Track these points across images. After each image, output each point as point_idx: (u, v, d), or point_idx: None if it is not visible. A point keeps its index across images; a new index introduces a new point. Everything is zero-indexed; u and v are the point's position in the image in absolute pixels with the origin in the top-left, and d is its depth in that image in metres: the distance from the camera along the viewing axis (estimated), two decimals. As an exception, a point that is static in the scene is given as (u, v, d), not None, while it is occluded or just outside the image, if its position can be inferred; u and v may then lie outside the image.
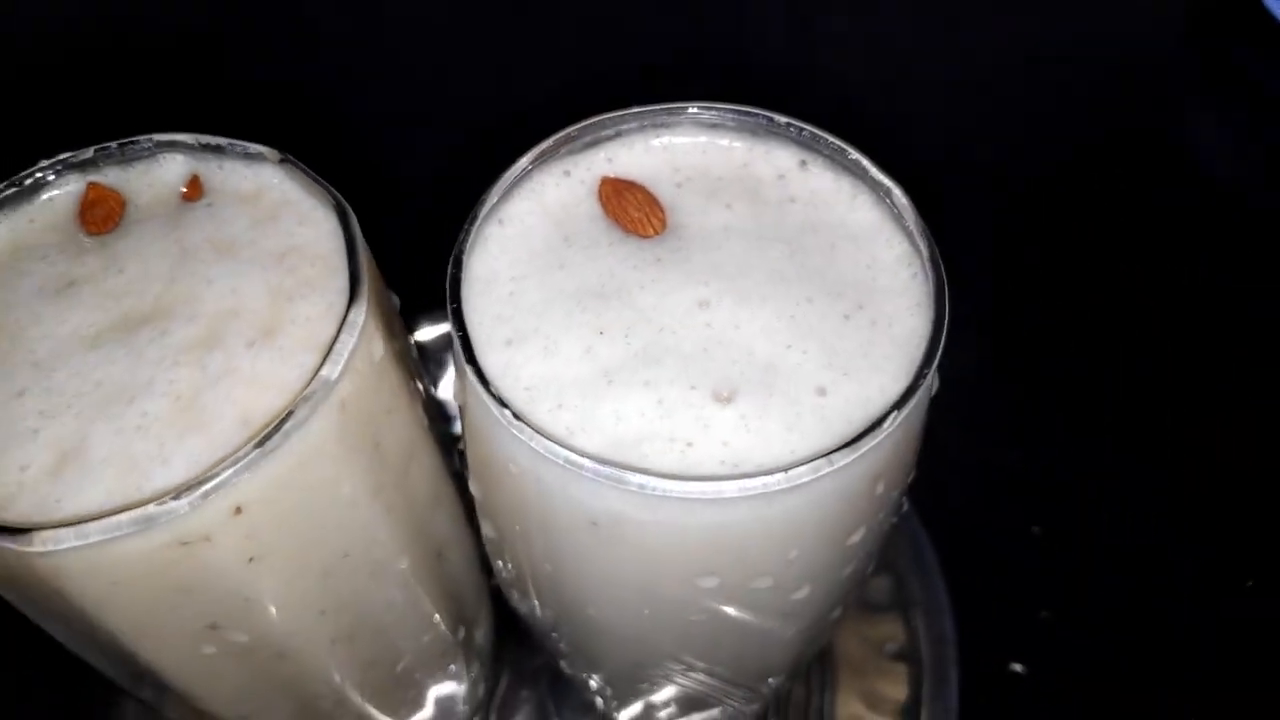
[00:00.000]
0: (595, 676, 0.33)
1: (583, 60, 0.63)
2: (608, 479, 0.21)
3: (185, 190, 0.27)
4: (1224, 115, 0.67)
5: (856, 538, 0.24)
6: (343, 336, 0.23)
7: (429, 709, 0.35)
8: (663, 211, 0.26)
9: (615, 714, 0.38)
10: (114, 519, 0.20)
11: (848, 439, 0.21)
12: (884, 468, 0.23)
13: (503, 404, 0.22)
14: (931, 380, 0.23)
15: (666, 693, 0.34)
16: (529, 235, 0.26)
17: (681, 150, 0.27)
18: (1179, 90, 0.68)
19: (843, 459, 0.21)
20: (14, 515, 0.21)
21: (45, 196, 0.27)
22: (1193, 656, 0.43)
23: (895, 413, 0.21)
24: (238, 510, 0.22)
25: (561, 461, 0.21)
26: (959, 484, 0.47)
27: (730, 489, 0.21)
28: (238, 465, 0.21)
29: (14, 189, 0.26)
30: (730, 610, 0.24)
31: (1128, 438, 0.49)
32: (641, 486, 0.21)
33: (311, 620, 0.26)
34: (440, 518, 0.29)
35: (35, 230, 0.26)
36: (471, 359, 0.22)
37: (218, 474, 0.21)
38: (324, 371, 0.22)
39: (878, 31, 0.67)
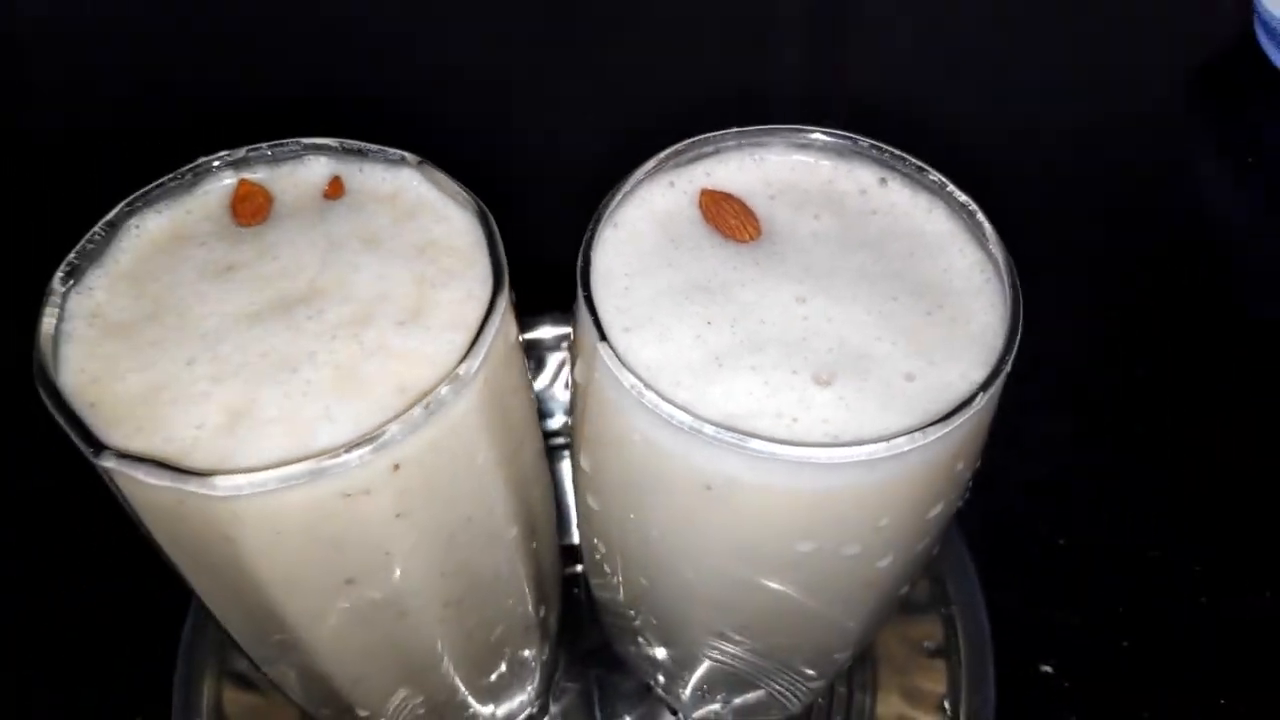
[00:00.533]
0: (662, 651, 0.35)
1: (683, 85, 0.70)
2: (728, 443, 0.24)
3: (328, 189, 0.30)
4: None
5: (935, 512, 0.27)
6: (491, 318, 0.25)
7: (509, 684, 0.37)
8: (757, 220, 0.29)
9: (674, 690, 0.40)
10: (290, 468, 0.23)
11: (936, 417, 0.24)
12: (963, 447, 0.26)
13: (635, 375, 0.24)
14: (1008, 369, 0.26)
15: (725, 676, 0.36)
16: (639, 239, 0.29)
17: (773, 167, 0.30)
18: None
19: (936, 432, 0.24)
20: (192, 465, 0.24)
21: (201, 190, 0.29)
22: (1213, 657, 0.45)
23: (982, 394, 0.24)
24: (396, 468, 0.24)
25: (687, 428, 0.24)
26: (991, 490, 0.50)
27: (838, 455, 0.23)
28: (402, 426, 0.24)
29: (174, 182, 0.29)
30: (819, 575, 0.27)
31: (1149, 442, 0.52)
32: (758, 451, 0.23)
33: (434, 581, 0.28)
34: (536, 495, 0.32)
35: (193, 220, 0.29)
36: (604, 338, 0.25)
37: (384, 432, 0.23)
38: (475, 349, 0.25)
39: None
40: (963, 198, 0.28)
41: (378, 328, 0.26)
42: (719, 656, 0.33)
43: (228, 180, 0.30)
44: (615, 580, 0.33)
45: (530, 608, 0.34)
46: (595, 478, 0.29)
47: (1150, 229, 0.63)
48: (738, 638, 0.31)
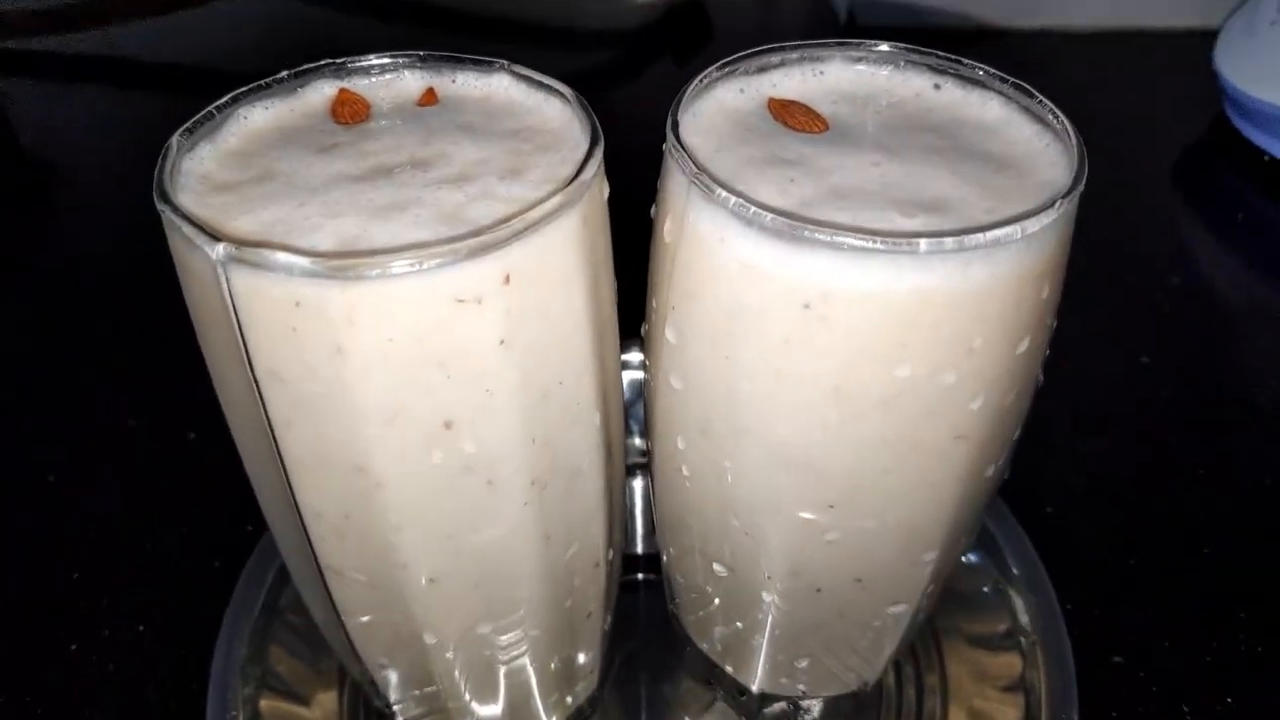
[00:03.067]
0: (735, 587, 0.34)
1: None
2: (830, 242, 0.25)
3: (422, 98, 0.32)
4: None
5: (1023, 348, 0.27)
6: (593, 154, 0.27)
7: (572, 636, 0.36)
8: (824, 118, 0.31)
9: (742, 668, 0.39)
10: (411, 252, 0.24)
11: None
12: (1048, 266, 0.27)
13: (732, 191, 0.26)
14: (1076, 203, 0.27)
15: (798, 627, 0.35)
16: (716, 126, 0.31)
17: (832, 79, 0.33)
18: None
19: (1034, 225, 0.25)
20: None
21: (302, 94, 0.31)
22: None
23: (1064, 200, 0.26)
24: (506, 279, 0.25)
25: (788, 233, 0.25)
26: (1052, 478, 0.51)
27: (934, 244, 0.24)
28: (516, 226, 0.25)
29: (277, 84, 0.31)
30: (913, 415, 0.27)
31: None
32: (860, 246, 0.24)
33: (524, 447, 0.28)
34: (613, 394, 0.32)
35: (295, 116, 0.31)
36: (700, 168, 0.27)
37: (495, 231, 0.24)
38: (582, 175, 0.26)
39: None
40: (1016, 83, 0.31)
41: (481, 182, 0.27)
42: (799, 571, 0.32)
43: (327, 89, 0.32)
44: (694, 479, 0.32)
45: (601, 533, 0.34)
46: (681, 346, 0.30)
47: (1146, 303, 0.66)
48: (825, 525, 0.30)
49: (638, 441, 0.50)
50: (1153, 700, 0.43)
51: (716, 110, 0.31)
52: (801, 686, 0.39)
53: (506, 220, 0.25)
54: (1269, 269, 0.71)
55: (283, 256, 0.23)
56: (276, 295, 0.24)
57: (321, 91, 0.31)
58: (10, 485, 0.54)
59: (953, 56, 0.32)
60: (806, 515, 0.30)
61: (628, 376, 0.38)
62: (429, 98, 0.32)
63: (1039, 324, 0.28)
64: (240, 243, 0.24)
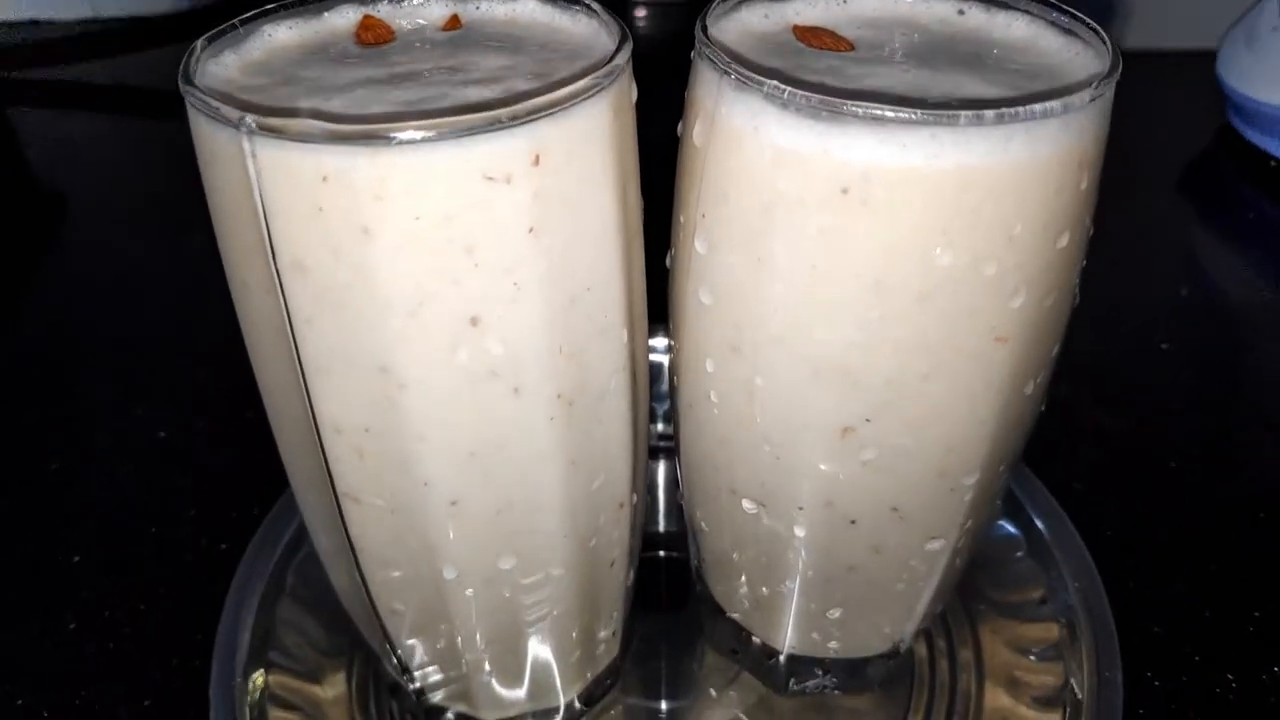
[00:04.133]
0: (764, 523, 0.33)
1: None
2: (868, 117, 0.24)
3: (445, 24, 0.31)
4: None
5: (1063, 242, 0.27)
6: (623, 47, 0.27)
7: (596, 595, 0.34)
8: (849, 41, 0.31)
9: (769, 626, 0.37)
10: (441, 119, 0.23)
11: (1061, 113, 0.25)
12: (1086, 155, 0.26)
13: (768, 74, 0.25)
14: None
15: (829, 574, 0.34)
16: (743, 42, 0.31)
17: (856, 6, 0.33)
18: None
19: (1076, 100, 0.24)
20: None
21: (326, 18, 0.31)
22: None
23: (1108, 78, 0.25)
24: (536, 159, 0.25)
25: (824, 111, 0.24)
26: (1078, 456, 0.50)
27: (974, 117, 0.24)
28: (547, 100, 0.24)
29: (302, 5, 0.31)
30: (954, 310, 0.26)
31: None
32: (899, 118, 0.24)
33: (548, 354, 0.27)
34: (638, 318, 0.31)
35: (319, 37, 0.31)
36: (734, 69, 0.26)
37: (526, 103, 0.24)
38: (614, 61, 0.26)
39: None
40: (1041, 0, 0.31)
41: (508, 82, 0.27)
42: (833, 500, 0.31)
43: (351, 14, 0.31)
44: (722, 406, 0.31)
45: (625, 468, 0.33)
46: (711, 255, 0.29)
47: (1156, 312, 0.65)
48: (861, 443, 0.29)
49: (660, 427, 0.50)
50: (1196, 670, 0.42)
51: (741, 30, 0.31)
52: (833, 644, 0.37)
53: (538, 93, 0.24)
54: (1277, 267, 0.71)
55: (313, 123, 0.23)
56: (304, 170, 0.23)
57: (345, 16, 0.31)
58: (17, 475, 0.53)
59: (977, -21, 0.32)
60: (841, 431, 0.29)
61: (651, 359, 0.37)
62: (453, 23, 0.31)
63: (1078, 219, 0.27)
64: (267, 110, 0.23)
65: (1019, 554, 0.43)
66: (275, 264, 0.25)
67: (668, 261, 0.33)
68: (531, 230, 0.25)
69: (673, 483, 0.49)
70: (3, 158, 0.90)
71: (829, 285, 0.27)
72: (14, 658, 0.43)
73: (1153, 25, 0.94)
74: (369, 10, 0.31)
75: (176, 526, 0.49)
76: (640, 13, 1.02)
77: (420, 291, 0.25)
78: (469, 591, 0.32)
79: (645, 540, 0.43)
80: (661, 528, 0.48)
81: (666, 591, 0.45)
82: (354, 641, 0.42)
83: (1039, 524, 0.43)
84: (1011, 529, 0.44)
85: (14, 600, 0.46)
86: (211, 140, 0.25)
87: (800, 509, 0.32)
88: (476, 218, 0.24)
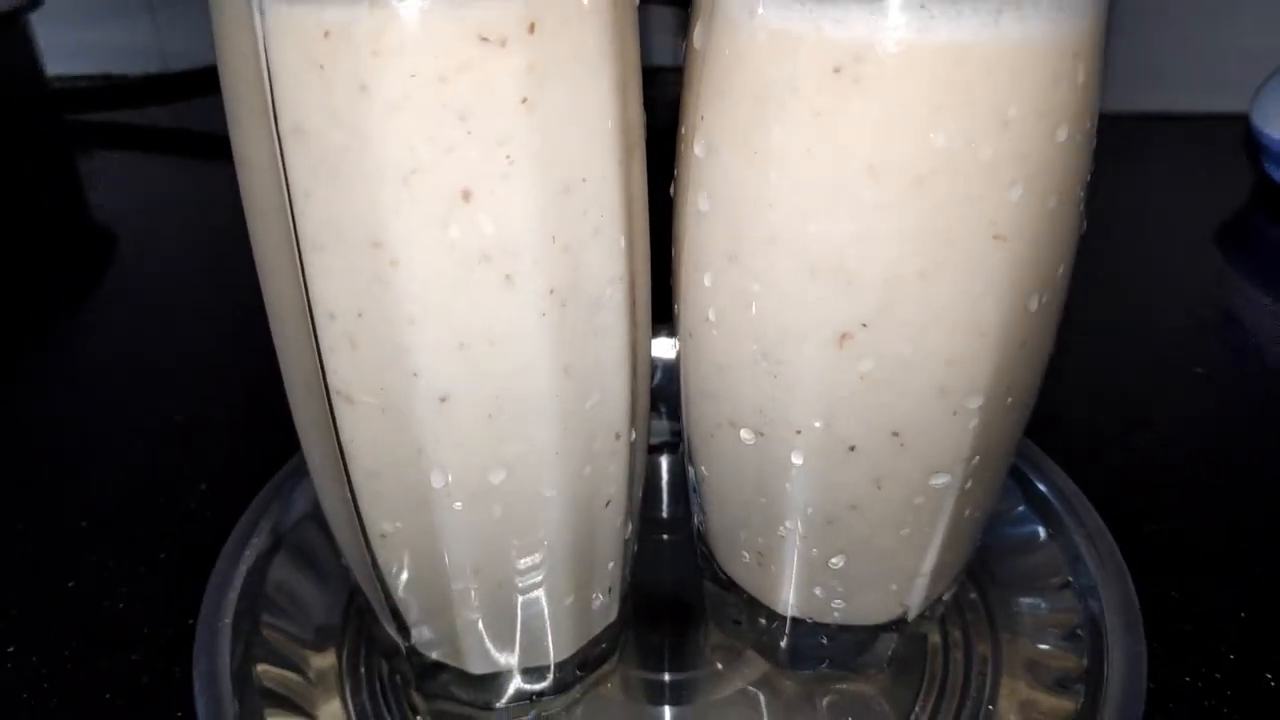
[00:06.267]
0: (761, 455, 0.32)
1: None
2: (859, -10, 0.24)
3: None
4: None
5: (1061, 136, 0.27)
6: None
7: (594, 548, 0.34)
8: None
9: (770, 579, 0.36)
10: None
11: (1054, 4, 0.25)
12: (1081, 46, 0.26)
13: (763, -43, 0.26)
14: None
15: (832, 517, 0.33)
16: None
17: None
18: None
19: (1060, -21, 0.24)
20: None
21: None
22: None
23: (1097, -36, 0.25)
24: (531, 27, 0.25)
25: (816, -14, 0.25)
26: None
27: (967, -12, 0.24)
28: (544, -31, 0.25)
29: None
30: (952, 196, 0.26)
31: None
32: (889, -11, 0.24)
33: (542, 242, 0.27)
34: (638, 233, 0.31)
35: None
36: (730, -49, 0.27)
37: (527, -29, 0.25)
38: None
39: None
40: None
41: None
42: (831, 420, 0.30)
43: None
44: (720, 324, 0.31)
45: (622, 393, 0.32)
46: (709, 156, 0.29)
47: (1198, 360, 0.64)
48: (859, 351, 0.29)
49: (665, 424, 0.49)
50: (1231, 668, 0.39)
51: None
52: (837, 603, 0.36)
53: (537, -41, 0.25)
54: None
55: (313, -18, 0.24)
56: (306, 25, 0.24)
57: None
58: (34, 450, 0.53)
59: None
60: (839, 338, 0.29)
61: (657, 355, 0.37)
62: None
63: (1076, 115, 0.27)
64: (273, -37, 0.24)
65: (1039, 540, 0.42)
66: (277, 128, 0.26)
67: (670, 191, 0.33)
68: (525, 101, 0.26)
69: (677, 477, 0.49)
70: (62, 196, 0.94)
71: (824, 172, 0.27)
72: (10, 610, 0.43)
73: (1186, 89, 0.95)
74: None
75: (185, 498, 0.49)
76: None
77: (414, 157, 0.25)
78: (457, 504, 0.31)
79: (649, 524, 0.43)
80: (666, 513, 0.47)
81: (669, 573, 0.44)
82: (349, 606, 0.41)
83: (1059, 508, 0.42)
84: (1031, 516, 0.43)
85: (19, 557, 0.46)
86: (224, 4, 0.26)
87: (798, 433, 0.31)
88: (470, 80, 0.25)
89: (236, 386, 0.58)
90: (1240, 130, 0.82)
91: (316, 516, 0.41)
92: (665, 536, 0.46)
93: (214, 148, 0.98)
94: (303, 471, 0.42)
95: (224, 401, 0.57)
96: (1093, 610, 0.38)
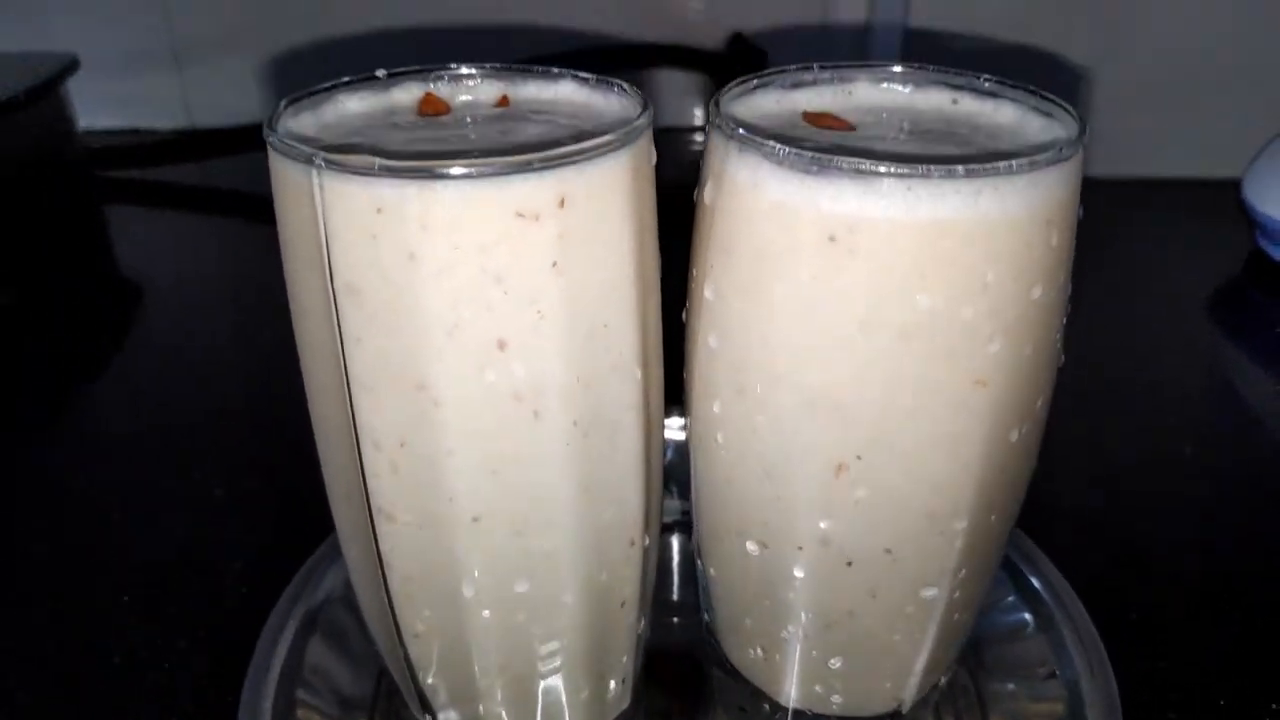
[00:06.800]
0: (765, 563, 0.35)
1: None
2: (854, 172, 0.27)
3: (497, 102, 0.36)
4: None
5: (1036, 294, 0.29)
6: (646, 112, 0.31)
7: (608, 639, 0.36)
8: (852, 125, 0.35)
9: (775, 676, 0.39)
10: (483, 160, 0.27)
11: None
12: (1054, 214, 0.29)
13: (766, 138, 0.29)
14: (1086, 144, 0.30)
15: (834, 618, 0.36)
16: (755, 122, 0.34)
17: (860, 95, 0.37)
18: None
19: (1041, 160, 0.27)
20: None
21: (392, 92, 0.36)
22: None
23: (1073, 144, 0.28)
24: (561, 202, 0.28)
25: (815, 167, 0.28)
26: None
27: (945, 171, 0.27)
28: (573, 151, 0.28)
29: (370, 81, 0.36)
30: (934, 352, 0.29)
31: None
32: (881, 172, 0.27)
33: (569, 384, 0.30)
34: (653, 364, 0.34)
35: (384, 109, 0.35)
36: (739, 134, 0.30)
37: (554, 151, 0.28)
38: (635, 122, 0.30)
39: None
40: (1026, 88, 0.34)
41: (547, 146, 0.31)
42: (829, 538, 0.33)
43: (415, 90, 0.36)
44: (728, 445, 0.34)
45: (636, 504, 0.35)
46: (719, 301, 0.32)
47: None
48: (853, 479, 0.32)
49: (676, 503, 0.52)
50: (1209, 756, 0.42)
51: (755, 112, 0.35)
52: (836, 699, 0.38)
53: (565, 143, 0.28)
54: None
55: (372, 159, 0.27)
56: (361, 200, 0.27)
57: (410, 92, 0.36)
58: (78, 523, 0.56)
59: (970, 73, 0.36)
60: (836, 468, 0.31)
61: (670, 437, 0.40)
62: (503, 102, 0.36)
63: (1050, 274, 0.30)
64: (334, 148, 0.27)
65: (1026, 631, 0.44)
66: (332, 285, 0.29)
67: (683, 316, 0.36)
68: (555, 265, 0.29)
69: (688, 557, 0.51)
70: (89, 251, 0.97)
71: (821, 325, 0.30)
72: (55, 684, 0.46)
73: (1181, 155, 0.98)
74: (430, 87, 0.36)
75: (222, 575, 0.52)
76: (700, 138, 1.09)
77: (456, 314, 0.29)
78: (485, 613, 0.34)
79: (661, 605, 0.45)
80: (676, 596, 0.50)
81: (679, 657, 0.46)
82: (378, 687, 0.44)
83: (1047, 600, 0.44)
84: (1021, 607, 0.45)
85: (66, 632, 0.49)
86: (286, 175, 0.29)
87: (799, 549, 0.34)
88: (506, 250, 0.28)
89: (269, 456, 0.61)
90: (1235, 196, 0.84)
91: (347, 599, 0.43)
92: (675, 619, 0.48)
93: (239, 205, 1.02)
94: (334, 554, 0.45)
95: (258, 472, 0.60)
96: (1077, 703, 0.40)
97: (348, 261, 0.29)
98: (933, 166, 0.27)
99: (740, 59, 1.03)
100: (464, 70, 0.36)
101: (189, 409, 0.68)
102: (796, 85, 0.37)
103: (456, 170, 0.27)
